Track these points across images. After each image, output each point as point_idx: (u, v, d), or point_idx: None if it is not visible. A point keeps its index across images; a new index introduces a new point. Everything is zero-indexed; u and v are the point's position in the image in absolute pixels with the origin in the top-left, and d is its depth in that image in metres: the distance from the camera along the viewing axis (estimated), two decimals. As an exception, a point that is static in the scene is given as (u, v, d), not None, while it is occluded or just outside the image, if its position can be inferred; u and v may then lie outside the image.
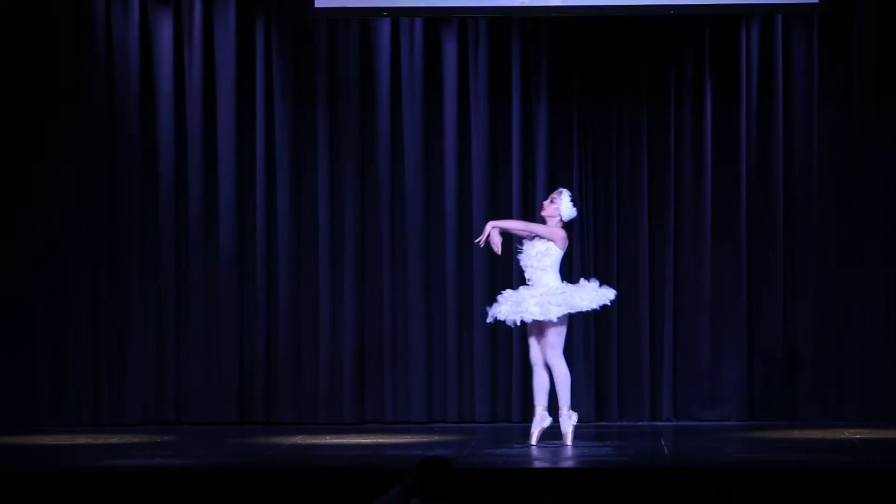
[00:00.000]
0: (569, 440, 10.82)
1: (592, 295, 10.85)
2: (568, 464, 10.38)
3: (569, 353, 11.78)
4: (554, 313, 10.61)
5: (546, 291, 10.71)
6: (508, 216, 12.21)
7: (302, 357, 12.54)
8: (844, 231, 12.26)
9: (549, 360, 10.72)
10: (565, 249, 10.88)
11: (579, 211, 11.77)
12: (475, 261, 12.44)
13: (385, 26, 12.43)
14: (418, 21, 12.37)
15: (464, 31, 12.46)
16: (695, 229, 12.29)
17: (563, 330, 10.78)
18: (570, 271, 12.02)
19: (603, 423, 12.18)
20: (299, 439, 11.36)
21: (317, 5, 11.77)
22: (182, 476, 9.78)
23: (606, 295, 10.92)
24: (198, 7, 12.45)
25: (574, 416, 10.86)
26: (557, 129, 12.47)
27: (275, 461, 10.55)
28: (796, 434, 11.40)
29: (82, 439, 11.43)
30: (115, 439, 11.40)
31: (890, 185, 12.23)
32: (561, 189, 10.99)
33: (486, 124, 12.47)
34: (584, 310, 10.93)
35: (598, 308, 11.03)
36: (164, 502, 9.35)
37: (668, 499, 9.14)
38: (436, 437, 11.50)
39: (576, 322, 12.11)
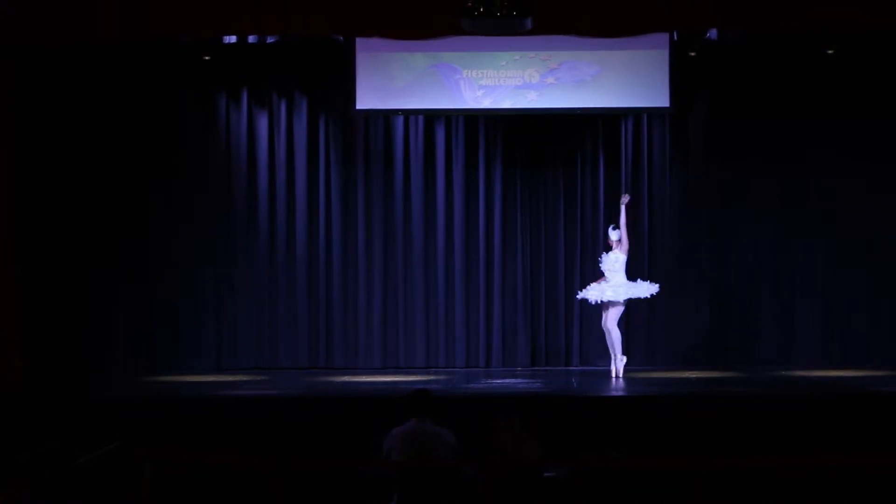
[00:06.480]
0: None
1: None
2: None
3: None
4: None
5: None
6: (477, 242, 14.05)
7: (348, 325, 14.20)
8: (685, 242, 14.10)
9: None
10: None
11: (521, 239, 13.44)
12: (456, 266, 14.20)
13: (399, 120, 14.11)
14: (420, 117, 14.03)
15: (448, 123, 14.00)
16: (593, 249, 13.76)
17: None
18: (515, 280, 13.90)
19: (536, 367, 13.96)
20: (347, 378, 12.72)
21: (357, 107, 13.37)
22: (274, 402, 10.95)
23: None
24: (283, 108, 14.15)
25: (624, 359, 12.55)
26: (507, 186, 14.14)
27: (331, 391, 11.72)
28: (655, 374, 12.70)
29: (211, 377, 13.03)
30: (231, 378, 12.81)
31: (712, 221, 14.03)
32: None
33: (463, 183, 14.10)
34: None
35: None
36: (262, 419, 10.34)
37: (577, 419, 10.21)
38: (431, 377, 12.79)
39: (520, 303, 13.96)
